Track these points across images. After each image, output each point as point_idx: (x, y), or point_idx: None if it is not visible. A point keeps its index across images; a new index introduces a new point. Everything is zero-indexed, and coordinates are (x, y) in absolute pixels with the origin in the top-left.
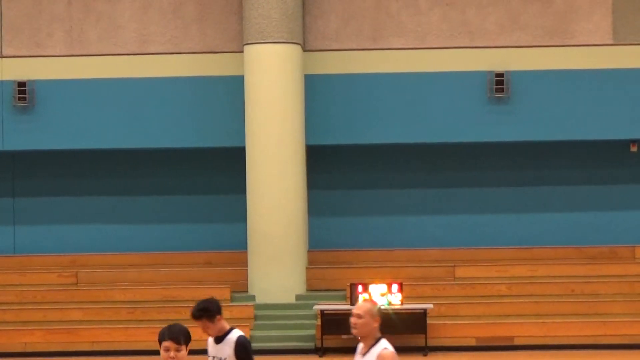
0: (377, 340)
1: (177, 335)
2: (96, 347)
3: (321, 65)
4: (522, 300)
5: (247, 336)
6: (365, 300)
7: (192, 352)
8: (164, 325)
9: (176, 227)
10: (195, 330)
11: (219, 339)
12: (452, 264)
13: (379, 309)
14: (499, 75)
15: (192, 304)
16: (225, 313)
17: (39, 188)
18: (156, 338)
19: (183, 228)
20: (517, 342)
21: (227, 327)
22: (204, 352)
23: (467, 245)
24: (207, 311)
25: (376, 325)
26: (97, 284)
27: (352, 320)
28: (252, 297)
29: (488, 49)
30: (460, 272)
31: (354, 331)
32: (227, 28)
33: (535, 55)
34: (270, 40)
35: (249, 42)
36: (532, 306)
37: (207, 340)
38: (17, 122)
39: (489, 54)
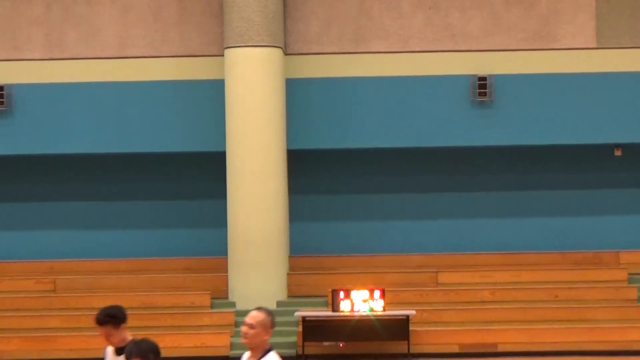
0: (266, 352)
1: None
2: (74, 355)
3: (302, 69)
4: (506, 306)
5: (228, 343)
6: (259, 310)
7: None
8: (143, 332)
9: (155, 232)
10: (176, 338)
11: (119, 350)
12: (435, 270)
13: (273, 320)
14: (482, 79)
15: (173, 311)
16: (205, 320)
17: (17, 193)
18: None
19: (162, 233)
20: (501, 348)
21: (129, 337)
22: None
23: (450, 250)
24: (114, 317)
25: (267, 337)
26: (75, 291)
27: (244, 329)
28: (233, 304)
29: (471, 52)
30: (443, 277)
31: (243, 340)
32: (207, 31)
33: (519, 59)
34: (251, 44)
35: (230, 45)
36: (516, 312)
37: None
38: None
39: (472, 58)
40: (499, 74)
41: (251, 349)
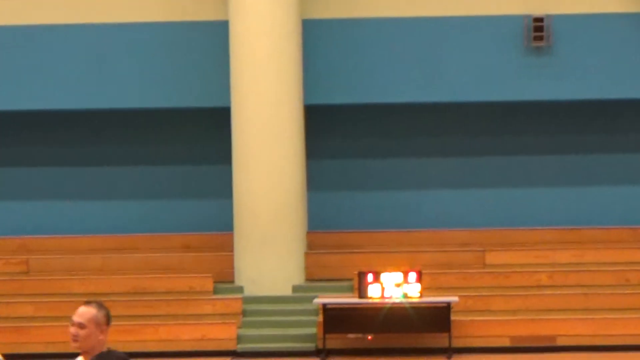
0: (104, 355)
1: None
2: (51, 349)
3: (322, 8)
4: (566, 292)
5: (234, 335)
6: (88, 304)
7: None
8: (133, 322)
9: (148, 204)
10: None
11: None
12: (482, 249)
13: (108, 315)
14: (538, 19)
15: (169, 297)
16: (208, 308)
17: None
18: (124, 338)
19: (156, 205)
20: (560, 342)
21: None
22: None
23: (499, 225)
24: None
25: (103, 337)
26: (51, 273)
27: (72, 330)
28: (240, 289)
29: None
30: (491, 257)
31: (74, 344)
32: None
33: None
34: None
35: None
36: (578, 299)
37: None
38: None
39: None
40: (559, 14)
41: (84, 352)
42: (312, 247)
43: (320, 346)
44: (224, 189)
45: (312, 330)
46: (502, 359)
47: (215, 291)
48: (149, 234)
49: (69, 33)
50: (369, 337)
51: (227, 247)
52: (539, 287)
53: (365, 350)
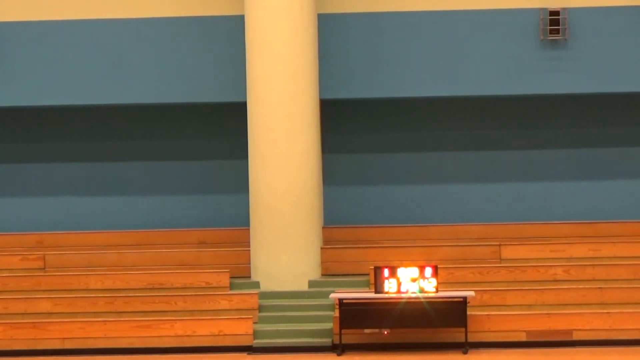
0: None
1: None
2: (68, 345)
3: (337, 3)
4: (582, 286)
5: (250, 331)
6: None
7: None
8: (150, 318)
9: (164, 199)
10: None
11: None
12: (498, 243)
13: None
14: (554, 13)
15: (185, 292)
16: (224, 303)
17: None
18: (140, 333)
19: (172, 201)
20: (576, 336)
21: None
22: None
23: (515, 219)
24: None
25: None
26: (68, 269)
27: None
28: (256, 284)
29: None
30: (507, 252)
31: None
32: None
33: None
34: None
35: None
36: (594, 293)
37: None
38: None
39: None
40: (574, 7)
41: None
42: (328, 242)
43: (337, 341)
44: (240, 184)
45: (328, 325)
46: (518, 354)
47: (232, 286)
48: (165, 230)
49: (85, 29)
50: (385, 332)
51: (244, 242)
52: (555, 281)
53: (381, 345)
